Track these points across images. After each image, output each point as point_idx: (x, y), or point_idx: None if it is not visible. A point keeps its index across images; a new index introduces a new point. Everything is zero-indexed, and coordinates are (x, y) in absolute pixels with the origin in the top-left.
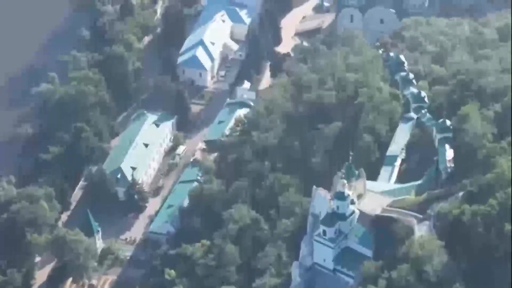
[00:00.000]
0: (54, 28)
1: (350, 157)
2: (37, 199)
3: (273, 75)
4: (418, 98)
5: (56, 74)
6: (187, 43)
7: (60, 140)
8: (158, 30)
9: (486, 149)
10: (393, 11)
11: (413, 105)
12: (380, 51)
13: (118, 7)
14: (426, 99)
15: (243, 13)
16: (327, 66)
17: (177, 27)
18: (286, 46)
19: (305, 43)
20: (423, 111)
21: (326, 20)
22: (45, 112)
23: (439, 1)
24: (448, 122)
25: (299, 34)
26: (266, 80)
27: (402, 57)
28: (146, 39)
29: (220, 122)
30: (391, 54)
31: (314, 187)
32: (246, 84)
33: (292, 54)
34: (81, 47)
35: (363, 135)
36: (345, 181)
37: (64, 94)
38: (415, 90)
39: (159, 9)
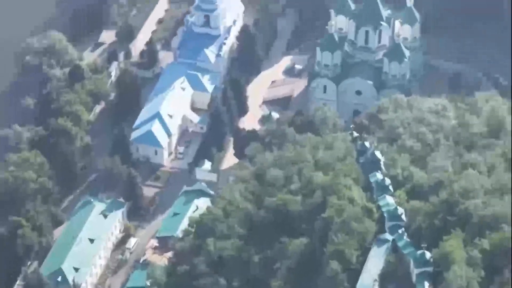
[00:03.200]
0: None
1: None
2: None
3: (237, 154)
4: (394, 215)
5: None
6: (142, 115)
7: None
8: (112, 96)
9: None
10: (371, 82)
11: (388, 224)
12: (355, 135)
13: (67, 70)
14: (403, 216)
15: (205, 79)
16: (294, 161)
17: (132, 94)
18: (253, 116)
19: (273, 114)
20: (399, 231)
21: (298, 86)
22: None
23: (422, 69)
24: (428, 255)
25: (267, 103)
26: (229, 158)
27: (378, 154)
28: (98, 107)
29: (175, 214)
30: (367, 144)
31: None
32: (207, 164)
33: (257, 129)
34: (25, 118)
35: (330, 262)
36: None
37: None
38: (391, 204)
39: (114, 71)
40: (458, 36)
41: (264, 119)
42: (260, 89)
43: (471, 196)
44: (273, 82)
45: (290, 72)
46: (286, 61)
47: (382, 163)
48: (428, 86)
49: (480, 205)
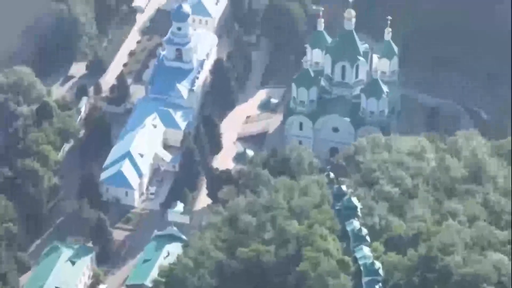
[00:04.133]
0: None
1: None
2: None
3: (210, 194)
4: (371, 270)
5: None
6: (112, 155)
7: None
8: (81, 134)
9: None
10: (348, 119)
11: (365, 279)
12: (331, 176)
13: (35, 107)
14: (381, 271)
15: (178, 116)
16: (267, 207)
17: (102, 132)
18: (227, 153)
19: (248, 151)
20: (377, 287)
21: (273, 122)
22: None
23: (400, 104)
24: None
25: (242, 139)
26: (202, 198)
27: (355, 201)
28: (67, 146)
29: (145, 260)
30: (343, 188)
31: None
32: (179, 206)
33: (232, 167)
34: None
35: None
36: None
37: None
38: (368, 257)
39: (83, 107)
40: (437, 69)
41: (239, 157)
42: (234, 125)
43: (450, 251)
44: (248, 117)
45: (265, 106)
46: (261, 95)
47: (359, 210)
48: (407, 120)
49: (461, 262)
